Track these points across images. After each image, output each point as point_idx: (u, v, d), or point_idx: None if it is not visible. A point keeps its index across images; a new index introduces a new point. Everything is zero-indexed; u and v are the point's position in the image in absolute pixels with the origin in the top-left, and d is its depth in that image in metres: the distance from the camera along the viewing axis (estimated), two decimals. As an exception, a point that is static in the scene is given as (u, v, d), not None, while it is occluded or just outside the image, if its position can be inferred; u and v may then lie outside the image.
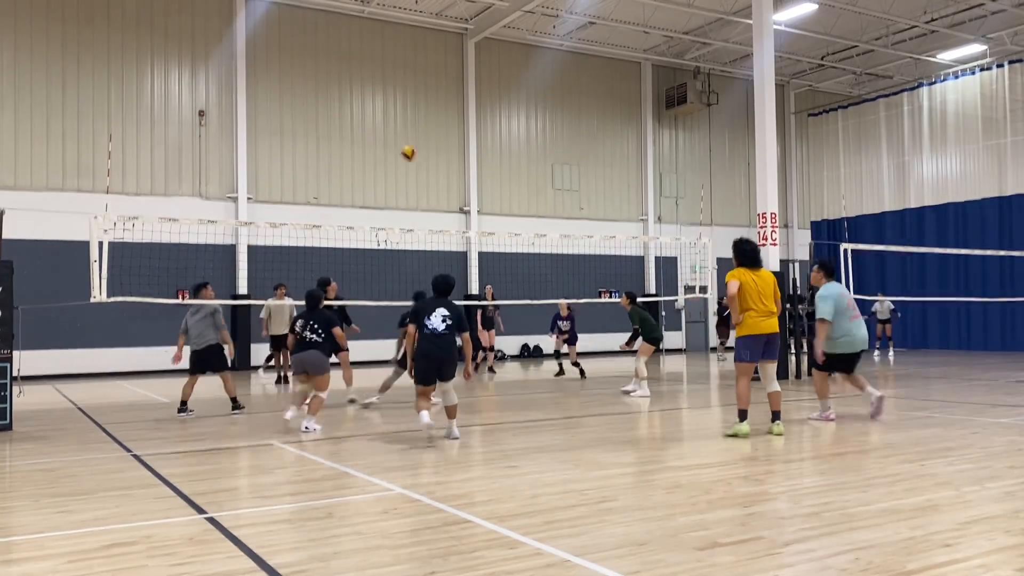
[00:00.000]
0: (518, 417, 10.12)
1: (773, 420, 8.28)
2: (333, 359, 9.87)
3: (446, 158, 23.65)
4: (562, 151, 25.59)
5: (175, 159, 20.26)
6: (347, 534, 4.67)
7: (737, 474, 6.28)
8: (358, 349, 18.14)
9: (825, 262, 9.60)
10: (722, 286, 12.44)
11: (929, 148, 26.12)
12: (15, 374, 9.94)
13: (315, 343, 9.26)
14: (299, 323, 9.39)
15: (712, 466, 6.63)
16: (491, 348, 17.84)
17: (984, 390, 12.51)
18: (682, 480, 6.05)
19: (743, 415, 8.23)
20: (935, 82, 25.98)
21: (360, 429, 9.29)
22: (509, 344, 23.76)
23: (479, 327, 17.45)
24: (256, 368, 18.74)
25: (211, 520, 5.05)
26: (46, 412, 11.54)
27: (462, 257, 23.43)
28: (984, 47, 24.84)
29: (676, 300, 25.15)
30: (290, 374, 16.06)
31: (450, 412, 8.21)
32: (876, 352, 21.25)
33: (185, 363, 10.72)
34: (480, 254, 23.47)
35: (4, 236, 10.96)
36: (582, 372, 15.86)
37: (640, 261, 26.57)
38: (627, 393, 12.58)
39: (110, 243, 11.52)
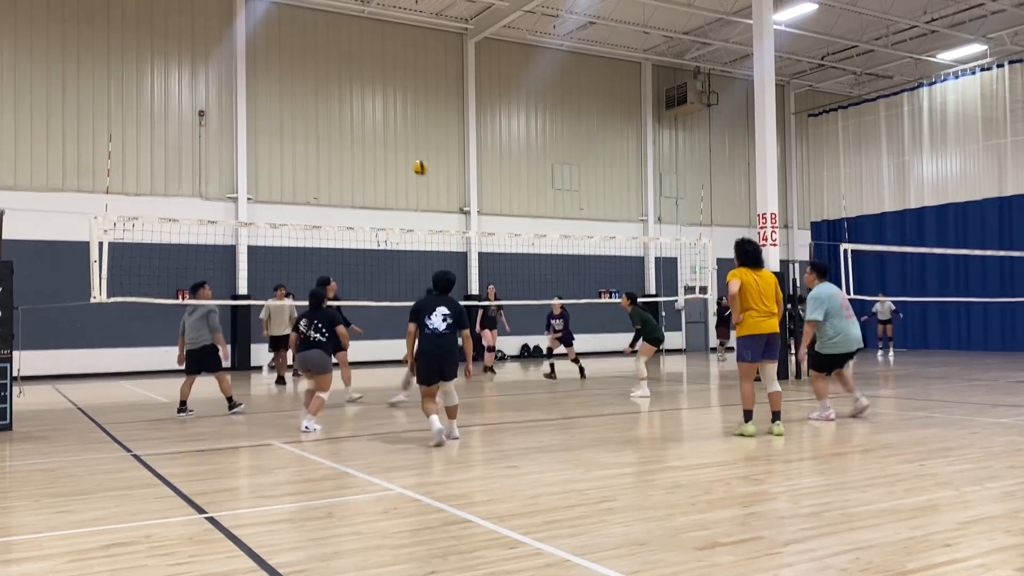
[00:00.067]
0: (518, 417, 10.12)
1: (773, 420, 8.28)
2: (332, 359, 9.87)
3: (446, 158, 23.65)
4: (562, 151, 25.59)
5: (175, 159, 20.26)
6: (347, 534, 4.67)
7: (737, 474, 6.28)
8: (358, 349, 18.15)
9: (817, 263, 9.68)
10: (722, 286, 12.46)
11: (929, 148, 26.12)
12: (15, 374, 9.94)
13: (319, 342, 9.27)
14: (303, 322, 9.39)
15: (712, 466, 6.63)
16: (492, 348, 17.82)
17: (984, 390, 12.51)
18: (682, 480, 6.05)
19: (748, 416, 8.24)
20: (935, 82, 25.99)
21: (360, 429, 9.29)
22: (509, 344, 23.76)
23: (479, 327, 17.43)
24: (259, 368, 18.75)
25: (211, 520, 5.05)
26: (46, 412, 11.54)
27: (462, 257, 23.42)
28: (984, 47, 24.84)
29: (676, 300, 25.17)
30: (288, 375, 16.16)
31: (451, 412, 8.19)
32: (879, 352, 21.26)
33: (186, 363, 10.73)
34: (480, 254, 23.46)
35: (4, 236, 10.97)
36: (582, 371, 15.82)
37: (640, 261, 26.56)
38: (642, 396, 12.54)
39: (110, 243, 11.52)
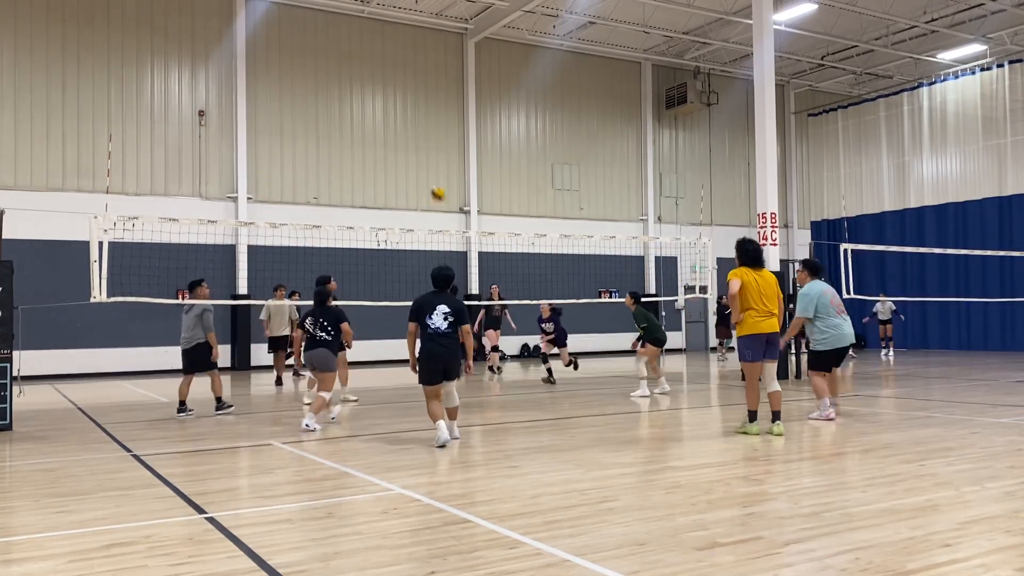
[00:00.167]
0: (518, 417, 10.12)
1: (773, 420, 8.28)
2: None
3: (446, 158, 23.65)
4: (562, 151, 25.59)
5: (175, 159, 20.26)
6: (347, 534, 4.67)
7: (737, 474, 6.28)
8: (358, 349, 18.11)
9: (810, 261, 9.92)
10: (722, 286, 12.44)
11: (929, 148, 26.13)
12: (15, 374, 9.94)
13: (325, 341, 9.26)
14: (309, 320, 9.38)
15: (712, 466, 6.63)
16: (495, 348, 17.73)
17: (984, 390, 12.51)
18: (682, 480, 6.04)
19: (753, 416, 8.27)
20: (935, 82, 25.99)
21: (360, 429, 9.29)
22: (509, 344, 23.74)
23: (482, 327, 17.33)
24: (259, 368, 18.74)
25: (211, 520, 5.05)
26: (46, 412, 11.54)
27: (462, 257, 23.42)
28: (984, 47, 24.84)
29: (676, 300, 25.17)
30: (286, 375, 16.15)
31: (451, 413, 8.15)
32: (882, 352, 21.26)
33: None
34: (480, 254, 23.46)
35: (4, 236, 10.96)
36: (575, 365, 15.22)
37: (640, 261, 26.56)
38: (663, 393, 12.55)
39: (110, 243, 11.51)
